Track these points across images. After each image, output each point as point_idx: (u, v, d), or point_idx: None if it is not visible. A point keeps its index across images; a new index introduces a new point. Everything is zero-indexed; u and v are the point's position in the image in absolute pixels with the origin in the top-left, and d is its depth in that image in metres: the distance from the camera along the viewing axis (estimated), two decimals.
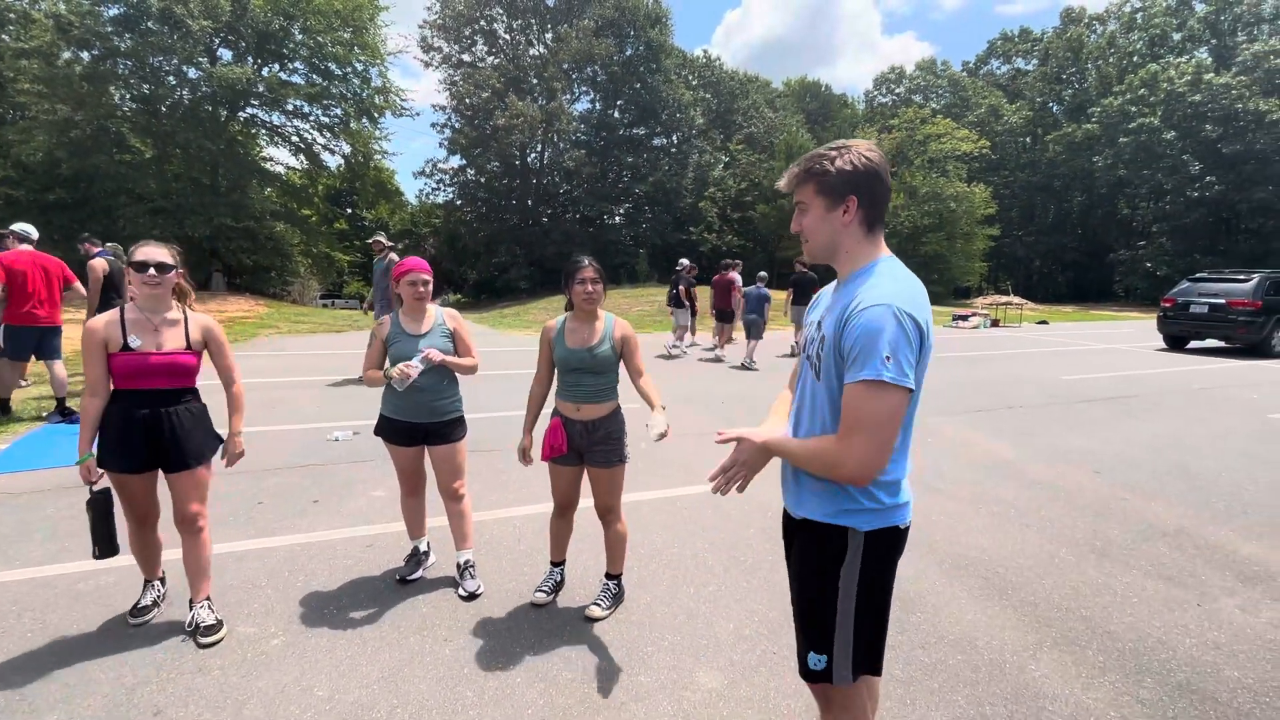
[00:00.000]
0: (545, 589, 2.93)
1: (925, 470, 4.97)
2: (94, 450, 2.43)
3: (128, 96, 20.46)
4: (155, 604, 2.72)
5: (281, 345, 11.94)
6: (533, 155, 32.46)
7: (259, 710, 2.16)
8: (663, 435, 2.47)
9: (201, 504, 2.62)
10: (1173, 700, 2.32)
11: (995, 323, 19.96)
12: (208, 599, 2.65)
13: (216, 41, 21.26)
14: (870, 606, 1.48)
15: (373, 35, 24.43)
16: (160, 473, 2.58)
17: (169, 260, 2.48)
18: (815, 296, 1.66)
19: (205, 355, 2.69)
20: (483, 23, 31.40)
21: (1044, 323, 21.40)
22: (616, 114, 34.01)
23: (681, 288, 11.62)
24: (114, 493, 2.53)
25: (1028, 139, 46.41)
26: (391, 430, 2.98)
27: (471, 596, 2.94)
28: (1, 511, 3.74)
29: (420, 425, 2.96)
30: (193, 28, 18.95)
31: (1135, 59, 41.23)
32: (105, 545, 2.46)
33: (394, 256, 8.27)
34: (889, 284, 1.36)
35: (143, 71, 20.08)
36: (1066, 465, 5.14)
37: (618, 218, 35.08)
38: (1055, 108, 46.15)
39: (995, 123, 44.11)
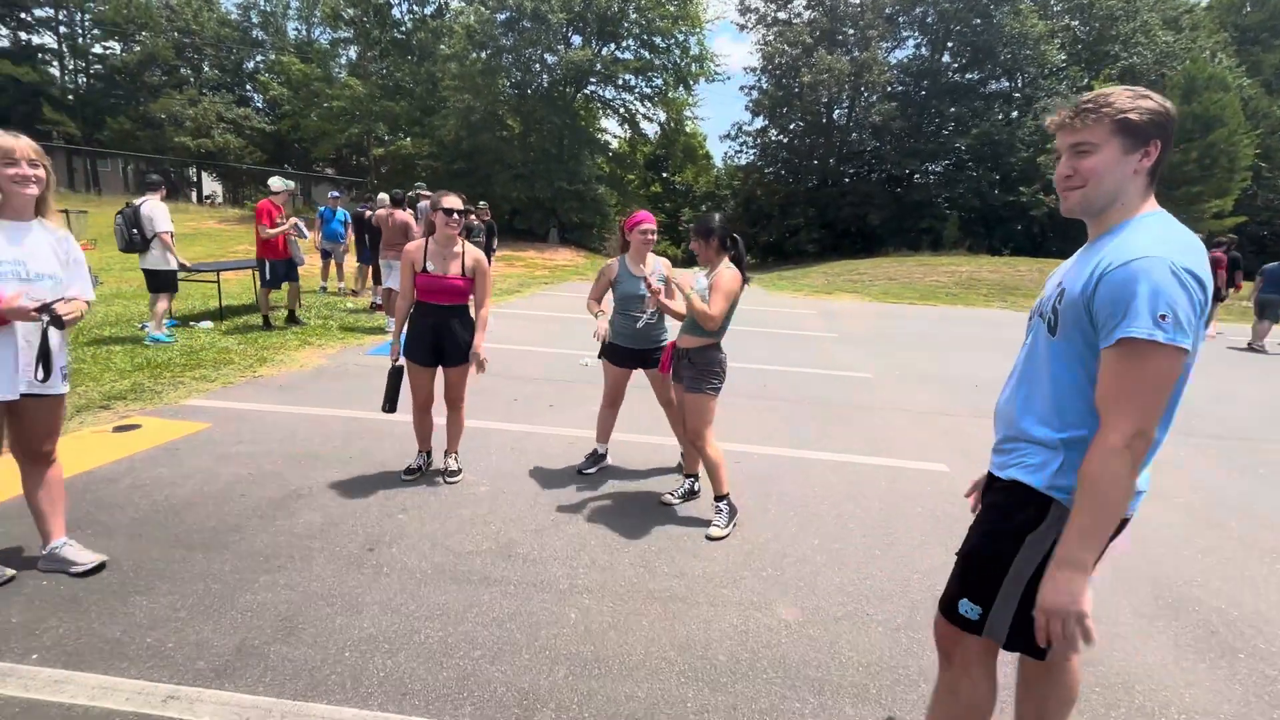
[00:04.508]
0: (675, 493, 3.46)
1: (1234, 502, 3.85)
2: (402, 339, 3.54)
3: (508, 84, 25.74)
4: (420, 468, 3.64)
5: (580, 288, 14.24)
6: (839, 112, 30.88)
7: (453, 525, 3.09)
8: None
9: (463, 389, 3.62)
10: None
11: None
12: (455, 453, 3.74)
13: (569, 30, 25.15)
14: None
15: (695, 4, 25.96)
16: (439, 369, 3.53)
17: (461, 207, 3.38)
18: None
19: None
20: None
21: None
22: (947, 57, 30.06)
23: None
24: (405, 372, 3.58)
25: None
26: (616, 353, 3.68)
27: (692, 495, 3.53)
28: (375, 377, 5.61)
29: (639, 351, 3.64)
30: (552, 21, 22.80)
31: None
32: (390, 404, 3.53)
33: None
34: (1158, 236, 1.22)
35: (519, 62, 25.01)
36: None
37: (931, 176, 31.38)
38: None
39: None
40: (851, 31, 29.42)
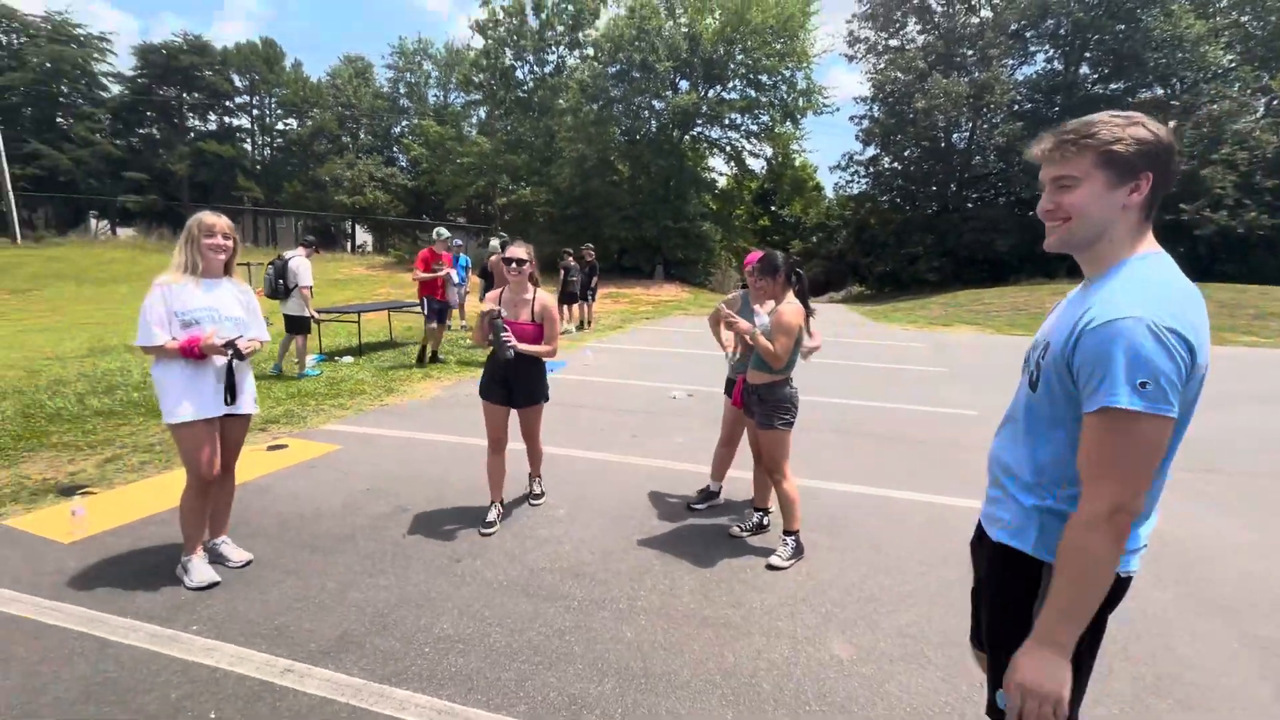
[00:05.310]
0: (743, 525, 3.52)
1: None
2: (501, 310, 3.44)
3: (618, 132, 27.14)
4: (496, 521, 3.56)
5: (681, 323, 14.53)
6: (958, 135, 29.33)
7: (531, 543, 3.37)
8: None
9: (538, 427, 3.77)
10: None
11: None
12: (539, 477, 4.01)
13: (676, 76, 26.18)
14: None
15: (802, 41, 26.08)
16: (512, 411, 3.61)
17: (524, 257, 3.58)
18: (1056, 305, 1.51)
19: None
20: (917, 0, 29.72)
21: None
22: (1085, 69, 27.81)
23: None
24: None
25: None
26: (731, 386, 3.75)
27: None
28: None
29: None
30: (660, 69, 23.91)
31: None
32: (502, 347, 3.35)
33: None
34: (1145, 288, 1.15)
35: (628, 111, 26.37)
36: None
37: None
38: None
39: None
40: (970, 52, 28.12)
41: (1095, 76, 27.58)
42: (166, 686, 2.19)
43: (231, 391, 2.89)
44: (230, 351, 2.82)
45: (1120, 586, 1.26)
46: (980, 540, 1.49)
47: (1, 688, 2.17)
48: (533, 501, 3.91)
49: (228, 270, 3.01)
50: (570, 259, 12.14)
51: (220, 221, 2.90)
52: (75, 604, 2.68)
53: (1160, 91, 26.98)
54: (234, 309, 2.95)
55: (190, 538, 2.92)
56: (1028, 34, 28.31)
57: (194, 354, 2.75)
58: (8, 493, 3.85)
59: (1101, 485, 1.12)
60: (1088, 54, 27.39)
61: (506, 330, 3.36)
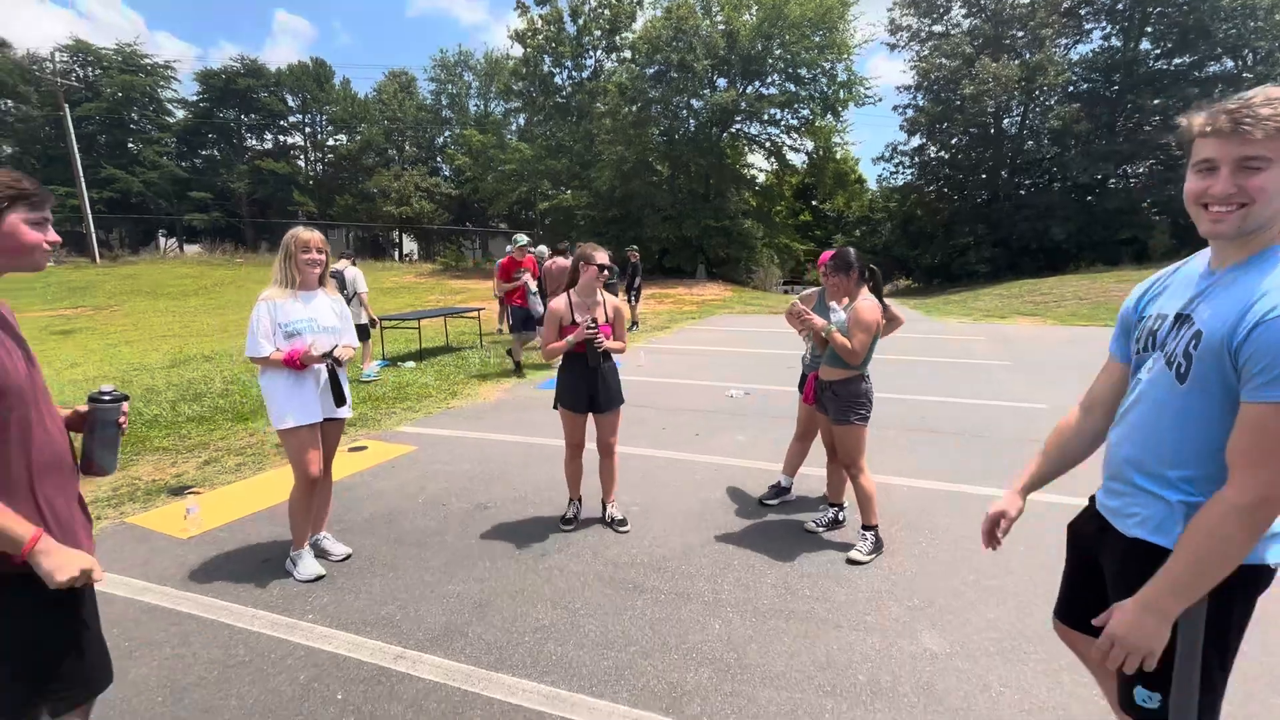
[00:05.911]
0: (818, 521, 3.51)
1: None
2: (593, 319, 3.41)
3: (656, 132, 27.23)
4: (575, 517, 3.68)
5: (727, 322, 14.49)
6: (1008, 120, 28.33)
7: (610, 538, 3.47)
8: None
9: (615, 436, 3.62)
10: None
11: None
12: (614, 501, 3.78)
13: (714, 74, 26.09)
14: (1216, 649, 1.27)
15: (841, 32, 25.64)
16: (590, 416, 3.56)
17: (609, 262, 3.67)
18: (1155, 279, 1.47)
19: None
20: None
21: None
22: (1146, 44, 26.48)
23: None
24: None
25: None
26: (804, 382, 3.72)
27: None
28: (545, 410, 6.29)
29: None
30: (698, 69, 23.87)
31: None
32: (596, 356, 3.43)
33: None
34: None
35: (667, 111, 26.42)
36: None
37: (1132, 180, 27.42)
38: None
39: None
40: (1020, 34, 27.12)
41: (1158, 52, 26.24)
42: (295, 669, 2.36)
43: (340, 396, 3.07)
44: (330, 361, 3.00)
45: (1267, 576, 1.24)
46: (1102, 531, 1.47)
47: (150, 668, 2.38)
48: (619, 529, 3.60)
49: (321, 282, 3.20)
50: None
51: (314, 237, 3.08)
52: (201, 594, 2.90)
53: (1231, 64, 25.47)
54: (329, 318, 3.14)
55: (299, 534, 3.11)
56: (1082, 10, 27.16)
57: (296, 365, 2.94)
58: (125, 493, 4.16)
59: (1257, 474, 1.11)
60: (1149, 28, 26.08)
61: (601, 339, 3.41)
